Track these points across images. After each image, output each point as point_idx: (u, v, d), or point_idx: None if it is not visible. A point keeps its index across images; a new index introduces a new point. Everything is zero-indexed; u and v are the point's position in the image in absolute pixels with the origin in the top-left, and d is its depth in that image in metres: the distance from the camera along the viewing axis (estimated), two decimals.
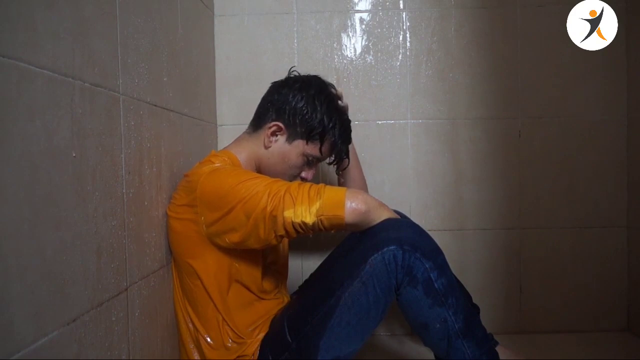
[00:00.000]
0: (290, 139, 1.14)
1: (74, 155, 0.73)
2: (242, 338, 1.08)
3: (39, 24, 0.66)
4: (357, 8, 1.63)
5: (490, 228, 1.63)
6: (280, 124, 1.13)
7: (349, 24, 1.63)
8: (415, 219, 1.63)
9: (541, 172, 1.62)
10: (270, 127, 1.14)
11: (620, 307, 1.63)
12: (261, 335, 1.08)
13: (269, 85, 1.24)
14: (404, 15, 1.63)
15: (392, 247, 0.95)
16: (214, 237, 1.03)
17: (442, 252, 1.02)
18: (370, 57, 1.63)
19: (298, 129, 1.13)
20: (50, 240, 0.67)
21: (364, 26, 1.63)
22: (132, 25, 0.96)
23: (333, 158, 1.20)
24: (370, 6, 1.63)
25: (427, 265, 0.96)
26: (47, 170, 0.67)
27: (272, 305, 1.16)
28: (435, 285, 0.96)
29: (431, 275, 0.96)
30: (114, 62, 0.88)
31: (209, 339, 1.08)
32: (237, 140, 1.21)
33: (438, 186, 1.63)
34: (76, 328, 0.73)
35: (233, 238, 1.00)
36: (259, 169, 1.18)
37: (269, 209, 0.96)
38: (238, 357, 1.07)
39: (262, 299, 1.14)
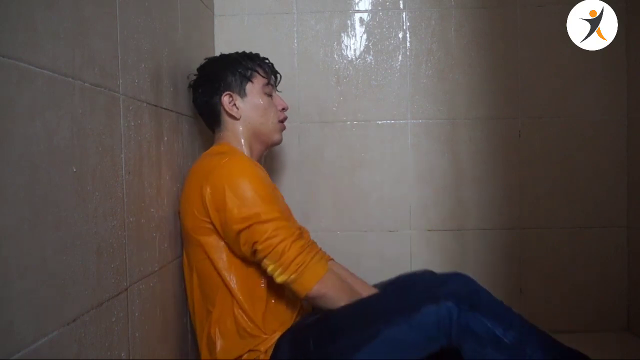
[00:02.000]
0: (242, 92, 1.22)
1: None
2: (259, 328, 1.08)
3: (39, 24, 0.66)
4: (357, 8, 1.63)
5: (490, 228, 1.63)
6: (227, 92, 1.21)
7: (349, 24, 1.63)
8: (415, 219, 1.63)
9: (541, 172, 1.62)
10: (224, 101, 1.21)
11: (620, 307, 1.63)
12: (277, 335, 1.08)
13: None
14: (404, 15, 1.63)
15: (449, 304, 0.96)
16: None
17: (502, 302, 1.03)
18: (370, 57, 1.63)
19: (237, 81, 1.22)
20: (50, 240, 0.67)
21: (364, 26, 1.63)
22: (132, 25, 0.96)
23: (273, 76, 1.30)
24: (370, 6, 1.63)
25: (489, 324, 0.95)
26: (47, 170, 0.67)
27: (287, 302, 1.16)
28: (506, 340, 0.95)
29: (497, 332, 0.95)
30: (114, 62, 0.88)
31: (220, 329, 1.09)
32: (217, 139, 1.25)
33: (438, 186, 1.63)
34: (76, 328, 0.73)
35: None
36: (254, 138, 1.24)
37: (259, 247, 1.03)
38: (250, 350, 1.07)
39: (277, 293, 1.14)
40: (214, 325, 1.09)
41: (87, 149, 0.77)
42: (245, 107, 1.22)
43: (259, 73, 1.24)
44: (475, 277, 1.62)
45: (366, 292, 1.15)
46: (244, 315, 1.08)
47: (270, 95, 1.26)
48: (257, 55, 1.29)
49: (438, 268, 1.62)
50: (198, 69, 1.28)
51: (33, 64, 0.64)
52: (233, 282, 1.09)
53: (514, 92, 1.62)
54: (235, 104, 1.21)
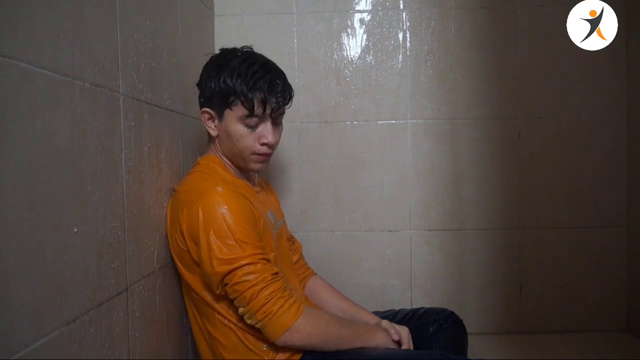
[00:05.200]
0: (219, 115, 1.11)
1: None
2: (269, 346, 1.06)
3: (39, 24, 0.66)
4: (357, 8, 1.63)
5: (490, 228, 1.63)
6: (206, 109, 1.12)
7: (349, 24, 1.63)
8: (415, 219, 1.63)
9: (541, 172, 1.62)
10: (202, 117, 1.14)
11: (620, 307, 1.63)
12: (297, 357, 1.06)
13: None
14: (404, 15, 1.63)
15: None
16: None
17: None
18: (370, 57, 1.63)
19: (216, 102, 1.10)
20: (50, 240, 0.67)
21: (364, 26, 1.63)
22: (132, 25, 0.96)
23: (260, 109, 1.09)
24: (370, 6, 1.63)
25: None
26: (47, 170, 0.67)
27: None
28: None
29: None
30: (114, 62, 0.88)
31: (223, 344, 1.07)
32: (208, 145, 1.20)
33: (438, 186, 1.63)
34: (76, 328, 0.73)
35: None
36: (229, 156, 1.15)
37: (228, 290, 1.00)
38: None
39: None
40: (215, 341, 1.08)
41: (87, 149, 0.77)
42: (220, 130, 1.12)
43: (242, 103, 1.06)
44: (475, 277, 1.63)
45: (350, 332, 1.06)
46: (249, 336, 1.06)
47: (251, 126, 1.09)
48: (260, 80, 1.07)
49: (438, 268, 1.64)
50: (207, 62, 1.16)
51: (33, 64, 0.64)
52: (228, 312, 1.06)
53: (514, 92, 1.62)
54: (214, 121, 1.13)
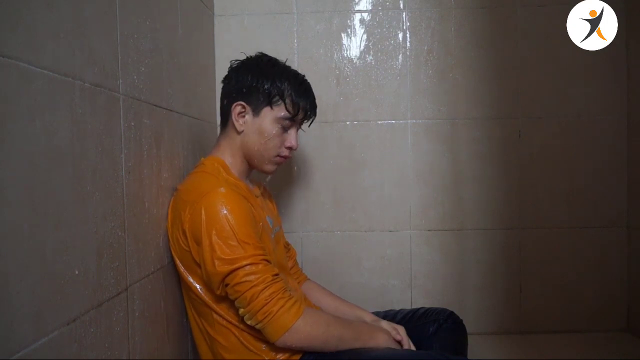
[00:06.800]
0: (257, 111, 1.14)
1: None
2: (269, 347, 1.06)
3: (39, 24, 0.66)
4: (357, 8, 1.63)
5: (490, 228, 1.63)
6: (242, 102, 1.14)
7: (349, 24, 1.63)
8: (415, 219, 1.63)
9: (541, 172, 1.62)
10: (234, 110, 1.14)
11: (620, 307, 1.63)
12: (297, 357, 1.07)
13: None
14: (404, 15, 1.63)
15: None
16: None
17: None
18: (370, 57, 1.63)
19: (258, 98, 1.14)
20: (50, 240, 0.67)
21: (364, 26, 1.63)
22: (132, 25, 0.96)
23: (301, 115, 1.18)
24: (370, 6, 1.63)
25: None
26: (47, 170, 0.67)
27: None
28: None
29: None
30: (114, 62, 0.88)
31: (223, 344, 1.08)
32: (217, 143, 1.20)
33: (438, 186, 1.63)
34: (76, 328, 0.73)
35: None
36: (247, 158, 1.17)
37: (229, 290, 1.00)
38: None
39: None
40: (214, 342, 1.09)
41: (87, 149, 0.77)
42: (251, 125, 1.14)
43: (285, 106, 1.14)
44: (475, 277, 1.63)
45: (350, 332, 1.07)
46: (248, 336, 1.06)
47: (284, 129, 1.16)
48: (306, 90, 1.19)
49: (438, 268, 1.64)
50: (239, 63, 1.20)
51: (33, 64, 0.64)
52: (228, 313, 1.06)
53: (514, 92, 1.62)
54: (244, 117, 1.15)
